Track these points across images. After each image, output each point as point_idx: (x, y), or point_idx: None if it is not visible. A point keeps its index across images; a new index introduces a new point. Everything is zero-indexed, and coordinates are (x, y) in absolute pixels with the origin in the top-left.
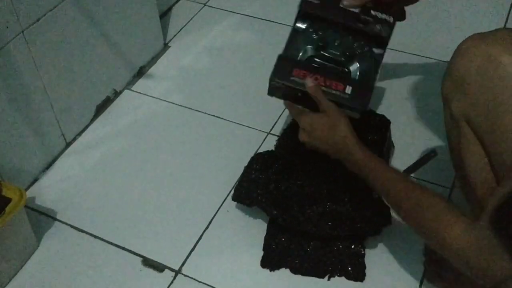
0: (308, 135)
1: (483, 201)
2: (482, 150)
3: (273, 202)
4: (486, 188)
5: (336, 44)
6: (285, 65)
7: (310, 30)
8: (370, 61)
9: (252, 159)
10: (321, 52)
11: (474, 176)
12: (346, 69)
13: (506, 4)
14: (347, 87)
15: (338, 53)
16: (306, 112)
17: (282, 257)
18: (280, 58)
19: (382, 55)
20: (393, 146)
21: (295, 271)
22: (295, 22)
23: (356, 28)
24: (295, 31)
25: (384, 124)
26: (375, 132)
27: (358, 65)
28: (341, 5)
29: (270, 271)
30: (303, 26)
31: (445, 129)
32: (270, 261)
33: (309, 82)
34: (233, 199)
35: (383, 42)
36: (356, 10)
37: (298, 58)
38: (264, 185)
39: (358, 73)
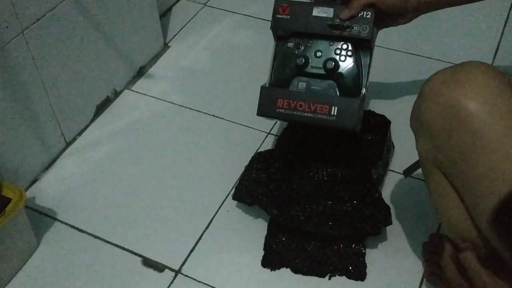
0: None
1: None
2: (451, 192)
3: (273, 202)
4: (456, 226)
5: (319, 56)
6: (268, 96)
7: (289, 48)
8: (356, 67)
9: (253, 158)
10: (305, 70)
11: (444, 216)
12: (334, 82)
13: (506, 4)
14: (333, 108)
15: (321, 67)
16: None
17: (283, 257)
18: (263, 89)
19: (369, 57)
20: (393, 146)
21: (296, 270)
22: (275, 44)
23: (334, 36)
24: (276, 53)
25: (384, 124)
26: (375, 132)
27: (344, 75)
28: (314, 14)
29: (271, 270)
30: (282, 46)
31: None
32: (271, 261)
33: (466, 253)
34: (234, 198)
35: (366, 43)
36: (330, 15)
37: (285, 82)
38: (265, 185)
39: (345, 84)
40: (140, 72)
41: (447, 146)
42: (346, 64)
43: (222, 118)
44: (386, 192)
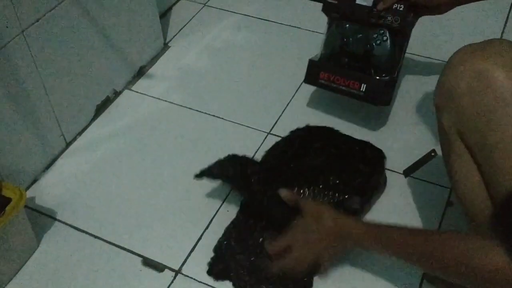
0: (303, 248)
1: (476, 218)
2: (473, 166)
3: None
4: (479, 205)
5: (358, 38)
6: (314, 69)
7: (335, 29)
8: (390, 51)
9: (225, 233)
10: (345, 49)
11: (466, 192)
12: (369, 62)
13: (506, 4)
14: (362, 85)
15: (360, 48)
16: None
17: (228, 266)
18: (310, 62)
19: (402, 43)
20: (385, 184)
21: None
22: (327, 25)
23: (371, 23)
24: (327, 32)
25: (378, 158)
26: (367, 164)
27: (378, 57)
28: (357, 2)
29: (214, 280)
30: (330, 26)
31: (439, 138)
32: (216, 269)
33: (282, 192)
34: (209, 273)
35: (399, 31)
36: (370, 4)
37: (329, 58)
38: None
39: (379, 65)
40: (140, 72)
41: (471, 112)
42: (381, 48)
43: (222, 118)
44: (386, 192)
